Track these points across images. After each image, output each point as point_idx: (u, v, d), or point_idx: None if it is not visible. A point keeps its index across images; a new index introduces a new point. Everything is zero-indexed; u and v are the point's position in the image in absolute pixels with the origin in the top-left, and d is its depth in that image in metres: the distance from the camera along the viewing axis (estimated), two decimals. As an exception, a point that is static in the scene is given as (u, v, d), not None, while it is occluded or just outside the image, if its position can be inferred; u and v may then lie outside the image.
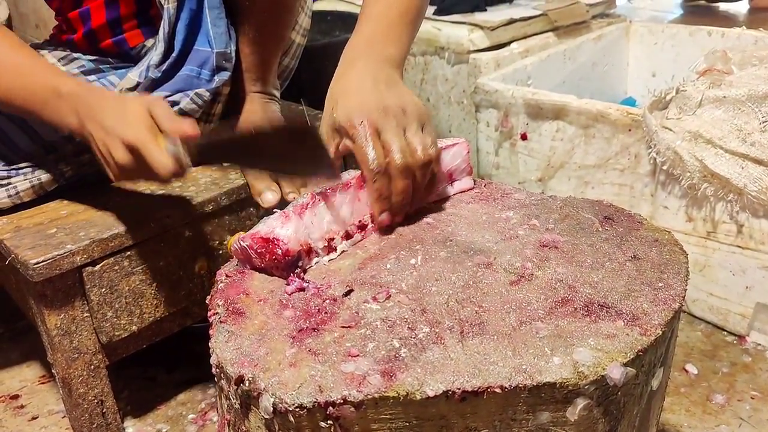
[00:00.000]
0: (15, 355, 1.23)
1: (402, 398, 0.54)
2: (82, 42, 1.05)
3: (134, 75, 0.99)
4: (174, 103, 0.98)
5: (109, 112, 0.76)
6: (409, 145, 0.74)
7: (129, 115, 0.75)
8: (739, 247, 1.12)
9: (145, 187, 0.99)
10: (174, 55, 0.97)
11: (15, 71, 0.83)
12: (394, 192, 0.74)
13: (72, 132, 0.82)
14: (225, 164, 0.90)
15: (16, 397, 1.14)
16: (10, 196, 0.94)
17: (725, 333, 1.19)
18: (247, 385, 0.56)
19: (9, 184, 0.94)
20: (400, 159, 0.72)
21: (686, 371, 1.10)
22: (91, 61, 1.05)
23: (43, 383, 1.16)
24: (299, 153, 0.72)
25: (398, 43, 0.86)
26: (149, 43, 1.03)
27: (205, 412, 1.08)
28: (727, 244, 1.13)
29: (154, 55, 0.97)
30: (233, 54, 1.00)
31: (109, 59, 1.06)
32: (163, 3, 0.96)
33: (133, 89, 0.99)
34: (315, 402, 0.53)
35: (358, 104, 0.76)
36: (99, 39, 1.04)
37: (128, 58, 1.06)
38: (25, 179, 0.94)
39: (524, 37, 1.70)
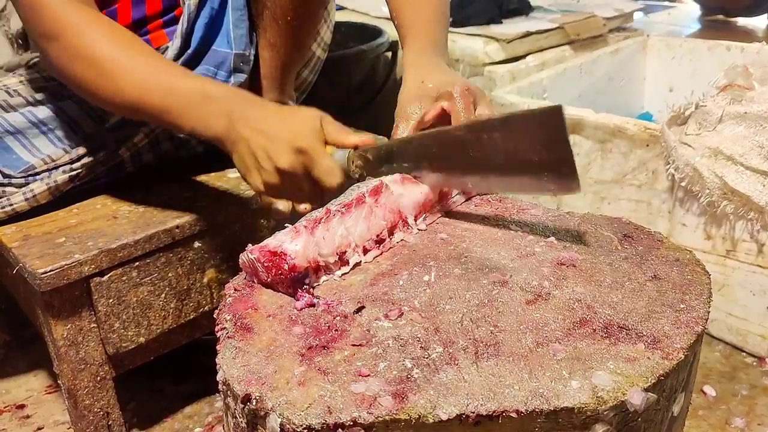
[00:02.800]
0: (22, 365, 1.22)
1: (414, 421, 0.52)
2: None
3: None
4: None
5: (275, 119, 0.77)
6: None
7: (300, 122, 0.76)
8: (760, 266, 1.09)
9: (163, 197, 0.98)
10: (189, 52, 0.96)
11: (152, 69, 0.81)
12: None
13: (213, 139, 0.80)
14: (412, 172, 0.77)
15: (22, 406, 1.12)
16: (27, 200, 0.93)
17: (744, 354, 1.16)
18: (254, 404, 0.54)
19: (26, 185, 0.94)
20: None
21: (704, 393, 1.07)
22: None
23: (49, 393, 1.15)
24: (531, 147, 0.67)
25: (443, 42, 0.93)
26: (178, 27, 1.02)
27: (212, 426, 1.06)
28: (747, 264, 1.11)
29: (170, 51, 0.97)
30: (252, 57, 0.99)
31: None
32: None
33: None
34: (324, 423, 0.51)
35: (449, 77, 0.83)
36: None
37: None
38: (42, 182, 0.94)
39: (540, 50, 1.69)
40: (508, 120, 0.70)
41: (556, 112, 0.66)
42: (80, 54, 0.80)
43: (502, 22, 1.77)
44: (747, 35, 2.14)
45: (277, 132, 0.75)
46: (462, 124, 0.76)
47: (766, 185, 1.04)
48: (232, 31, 0.97)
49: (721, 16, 2.33)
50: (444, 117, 0.81)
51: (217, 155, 1.06)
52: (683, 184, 1.13)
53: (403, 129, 0.81)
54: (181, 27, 0.96)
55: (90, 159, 0.95)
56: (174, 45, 0.96)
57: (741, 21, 2.28)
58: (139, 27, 1.02)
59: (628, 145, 1.23)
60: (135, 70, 0.80)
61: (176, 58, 0.96)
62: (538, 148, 0.68)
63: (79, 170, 0.95)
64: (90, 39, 0.80)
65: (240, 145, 0.77)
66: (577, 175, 0.68)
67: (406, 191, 0.76)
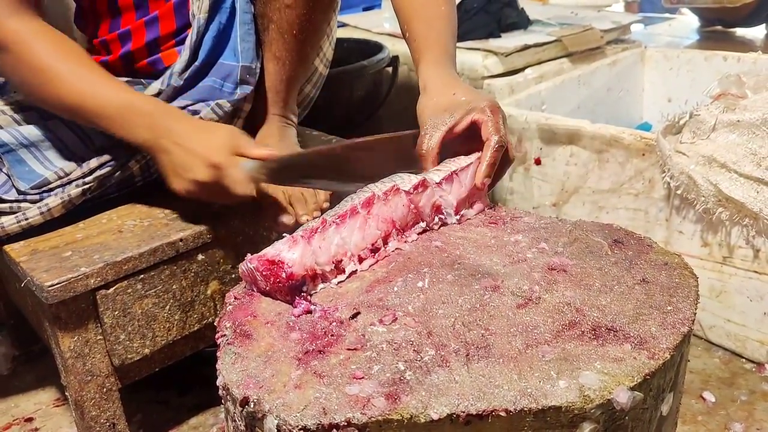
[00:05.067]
0: (30, 378, 1.24)
1: (406, 421, 0.53)
2: (117, 63, 1.07)
3: (157, 83, 1.01)
4: (194, 113, 1.00)
5: (193, 135, 0.88)
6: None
7: (214, 139, 0.87)
8: (756, 272, 1.10)
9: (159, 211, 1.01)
10: (197, 64, 0.99)
11: (89, 79, 0.90)
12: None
13: (138, 146, 0.91)
14: (305, 181, 0.92)
15: (30, 419, 1.14)
16: (42, 213, 0.95)
17: (743, 360, 1.17)
18: (251, 406, 0.56)
19: (41, 200, 0.96)
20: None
21: (703, 399, 1.08)
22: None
23: (57, 406, 1.17)
24: (391, 164, 0.83)
25: (455, 63, 0.97)
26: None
27: (217, 437, 1.08)
28: (743, 270, 1.12)
29: (178, 63, 1.00)
30: (257, 70, 1.02)
31: (142, 80, 1.08)
32: (195, 13, 0.99)
33: (156, 96, 1.00)
34: (319, 424, 0.53)
35: (478, 93, 0.88)
36: (135, 59, 1.06)
37: (160, 76, 1.07)
38: (56, 197, 0.96)
39: (538, 63, 1.71)
40: (377, 141, 0.87)
41: (412, 135, 0.85)
42: (26, 63, 0.89)
43: (500, 36, 1.80)
44: (745, 45, 2.15)
45: (194, 147, 0.87)
46: (341, 144, 0.88)
47: (759, 192, 1.05)
48: (240, 44, 1.00)
49: (719, 27, 2.34)
50: (470, 130, 0.84)
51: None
52: (679, 192, 1.15)
53: (431, 137, 0.84)
54: (190, 40, 0.99)
55: (102, 172, 0.97)
56: (182, 57, 0.99)
57: (739, 32, 2.30)
58: (152, 47, 1.05)
59: (624, 155, 1.25)
60: (73, 79, 0.89)
61: (184, 70, 0.99)
62: (400, 164, 0.83)
63: (91, 183, 0.97)
64: (36, 50, 0.89)
65: (162, 156, 0.89)
66: None
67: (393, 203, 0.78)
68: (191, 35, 0.99)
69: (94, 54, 1.11)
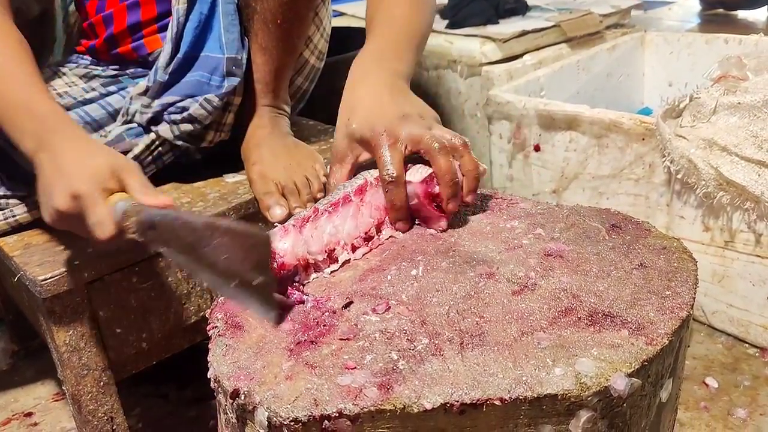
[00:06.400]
0: (30, 373, 1.24)
1: (399, 411, 0.52)
2: (103, 47, 1.06)
3: (144, 81, 1.00)
4: (184, 109, 0.98)
5: (70, 155, 0.74)
6: (440, 133, 0.75)
7: (87, 167, 0.72)
8: (759, 256, 1.09)
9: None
10: (179, 57, 0.98)
11: (5, 73, 0.81)
12: (440, 174, 0.73)
13: (23, 153, 0.78)
14: (163, 249, 0.69)
15: (30, 414, 1.14)
16: (30, 212, 0.94)
17: (746, 345, 1.16)
18: (242, 398, 0.55)
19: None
20: (431, 140, 0.73)
21: (706, 385, 1.07)
22: (110, 75, 1.06)
23: (56, 401, 1.17)
24: (246, 260, 0.60)
25: (406, 61, 0.89)
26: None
27: (216, 430, 1.07)
28: (745, 254, 1.10)
29: (161, 57, 0.98)
30: (244, 61, 1.00)
31: (128, 69, 1.07)
32: (174, 3, 0.97)
33: (143, 94, 0.99)
34: (310, 415, 0.52)
35: (378, 114, 0.78)
36: (119, 43, 1.05)
37: (146, 64, 1.07)
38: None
39: (537, 49, 1.69)
40: (231, 230, 0.62)
41: (263, 241, 0.59)
42: None
43: (498, 23, 1.78)
44: (747, 28, 2.13)
45: (63, 170, 0.72)
46: (206, 218, 0.74)
47: (761, 175, 1.04)
48: (224, 35, 0.98)
49: (721, 10, 2.31)
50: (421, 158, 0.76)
51: (215, 162, 1.09)
52: (679, 176, 1.13)
53: (336, 171, 0.80)
54: (170, 32, 0.97)
55: None
56: (165, 50, 0.98)
57: (741, 14, 2.27)
58: (134, 31, 1.04)
59: (624, 140, 1.23)
60: None
61: (168, 64, 0.98)
62: (248, 266, 0.60)
63: None
64: None
65: (38, 171, 0.75)
66: (276, 307, 0.59)
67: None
68: (171, 27, 0.98)
69: (84, 38, 1.11)
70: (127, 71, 1.07)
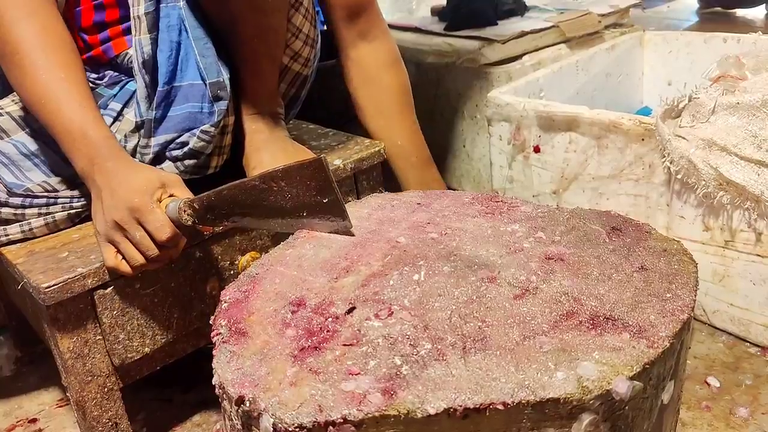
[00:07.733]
0: (33, 379, 1.24)
1: (403, 416, 0.53)
2: (83, 51, 1.03)
3: (131, 116, 0.99)
4: (183, 144, 0.99)
5: (121, 177, 0.84)
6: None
7: (138, 182, 0.83)
8: (759, 255, 1.09)
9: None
10: (160, 89, 0.97)
11: (57, 84, 0.86)
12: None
13: (76, 171, 0.88)
14: (231, 220, 0.84)
15: (34, 420, 1.14)
16: (47, 224, 0.96)
17: (748, 344, 1.16)
18: (247, 405, 0.55)
19: (48, 213, 0.96)
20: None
21: (708, 384, 1.07)
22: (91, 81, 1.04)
23: (60, 407, 1.17)
24: (311, 189, 0.78)
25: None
26: (132, 51, 1.00)
27: (220, 433, 1.08)
28: (746, 253, 1.11)
29: (139, 89, 0.97)
30: (227, 82, 0.99)
31: (102, 75, 1.05)
32: (134, 34, 0.95)
33: (135, 131, 0.99)
34: (315, 422, 0.52)
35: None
36: (91, 46, 1.03)
37: (117, 68, 1.04)
38: (59, 206, 0.96)
39: (536, 50, 1.69)
40: (288, 170, 0.79)
41: (318, 163, 0.77)
42: (4, 40, 0.85)
43: (497, 24, 1.78)
44: (745, 26, 2.13)
45: (117, 188, 0.83)
46: (257, 175, 0.81)
47: (760, 174, 1.04)
48: (201, 61, 0.97)
49: (719, 9, 2.32)
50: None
51: (217, 175, 1.08)
52: (679, 176, 1.13)
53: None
54: (136, 63, 0.96)
55: None
56: (139, 82, 0.97)
57: (739, 12, 2.28)
58: (100, 30, 1.01)
59: (623, 140, 1.24)
60: (42, 75, 0.85)
61: (148, 96, 0.97)
62: (313, 193, 0.79)
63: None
64: (18, 31, 0.85)
65: (93, 191, 0.86)
66: (347, 216, 0.80)
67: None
68: (135, 58, 0.96)
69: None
70: (103, 80, 1.04)
